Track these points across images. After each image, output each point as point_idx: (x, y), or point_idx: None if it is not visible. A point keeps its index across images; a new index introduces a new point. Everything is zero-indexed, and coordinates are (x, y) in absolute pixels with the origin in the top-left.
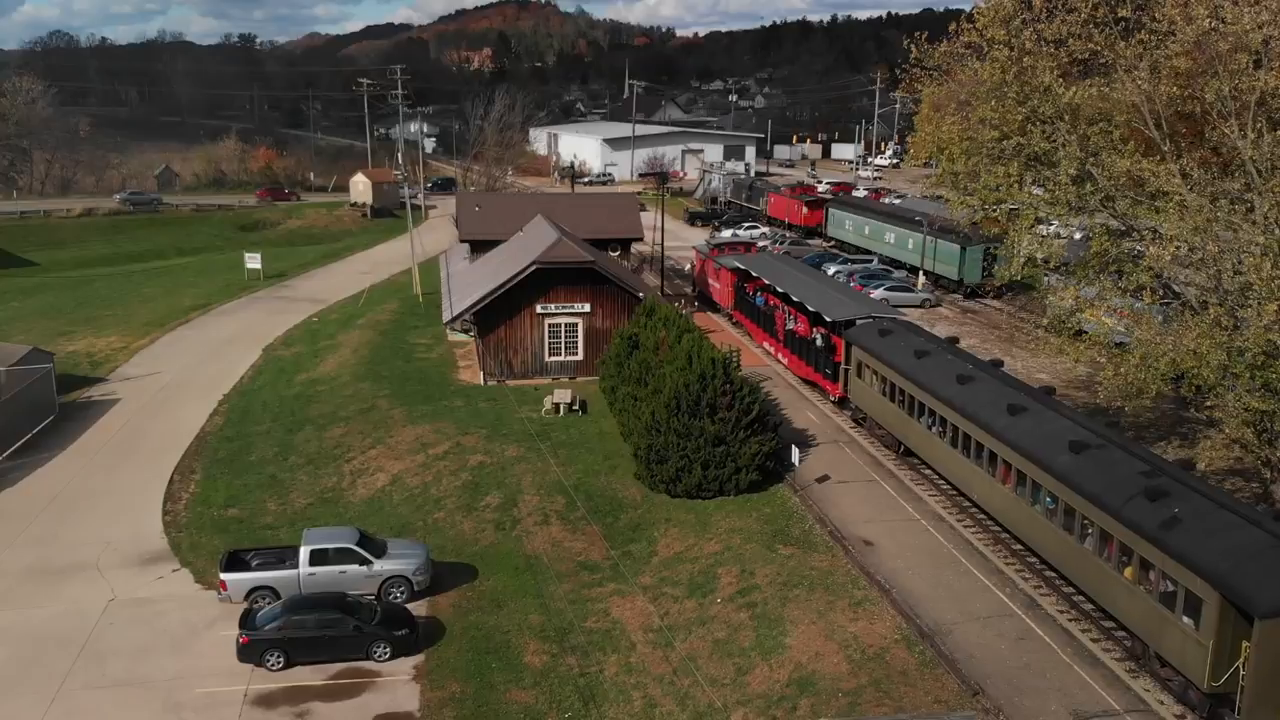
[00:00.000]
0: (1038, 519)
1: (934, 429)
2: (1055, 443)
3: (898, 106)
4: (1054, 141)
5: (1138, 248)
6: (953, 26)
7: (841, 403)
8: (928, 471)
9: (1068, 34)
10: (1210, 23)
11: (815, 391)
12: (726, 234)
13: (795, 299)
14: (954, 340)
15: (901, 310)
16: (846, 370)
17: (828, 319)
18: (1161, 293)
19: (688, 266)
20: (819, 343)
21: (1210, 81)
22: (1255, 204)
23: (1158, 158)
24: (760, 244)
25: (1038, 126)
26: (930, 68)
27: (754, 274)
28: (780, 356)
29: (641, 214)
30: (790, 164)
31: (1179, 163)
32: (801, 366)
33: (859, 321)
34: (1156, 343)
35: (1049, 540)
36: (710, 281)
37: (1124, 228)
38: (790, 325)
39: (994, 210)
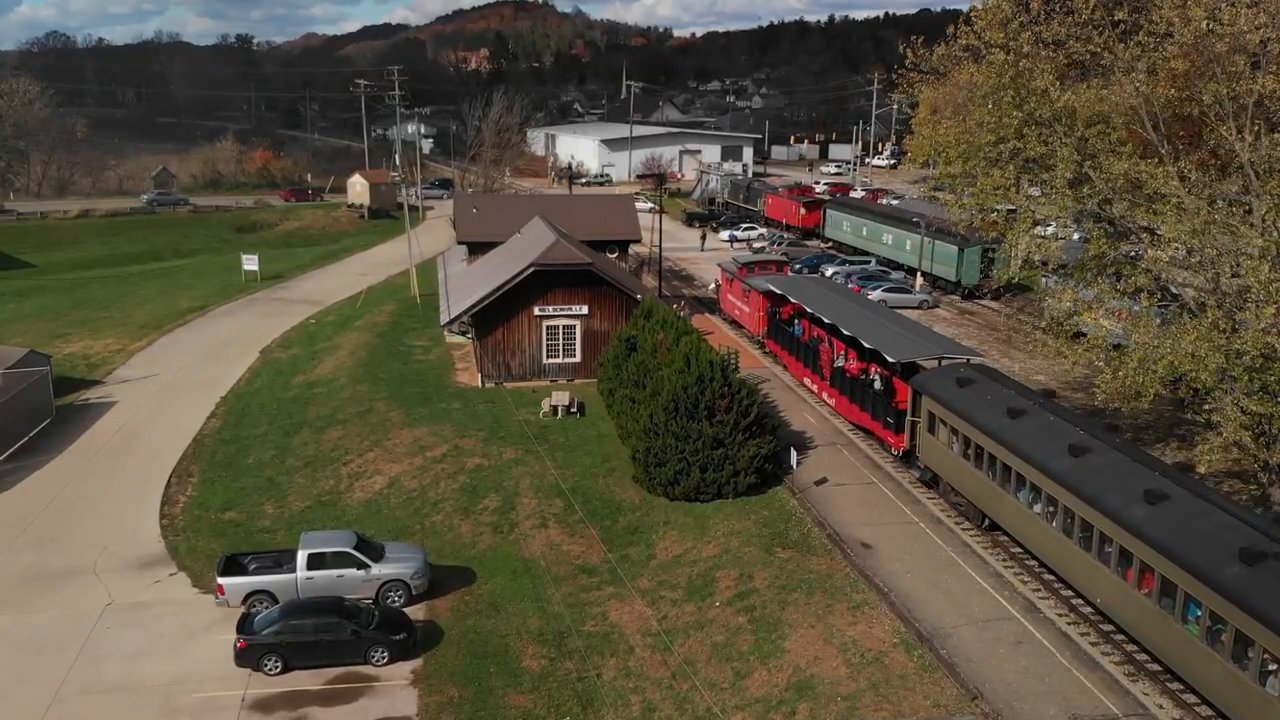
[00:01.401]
0: (1192, 644)
1: (1037, 509)
2: (1215, 545)
3: (894, 109)
4: (1050, 145)
5: (1136, 250)
6: (950, 29)
7: (906, 457)
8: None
9: (1066, 36)
10: (1208, 25)
11: (870, 440)
12: (725, 235)
13: (846, 332)
14: (1050, 394)
15: (900, 311)
16: (915, 423)
17: (891, 360)
18: (1160, 295)
19: (711, 286)
20: (876, 384)
21: (1208, 84)
22: (1253, 206)
23: (1155, 160)
24: (757, 244)
25: (1034, 130)
26: (927, 71)
27: (792, 299)
28: (826, 396)
29: (644, 207)
30: (803, 161)
31: (1177, 165)
32: (853, 411)
33: (926, 362)
34: (1154, 346)
35: (1208, 672)
36: (737, 304)
37: (1122, 230)
38: (839, 362)
39: (991, 213)
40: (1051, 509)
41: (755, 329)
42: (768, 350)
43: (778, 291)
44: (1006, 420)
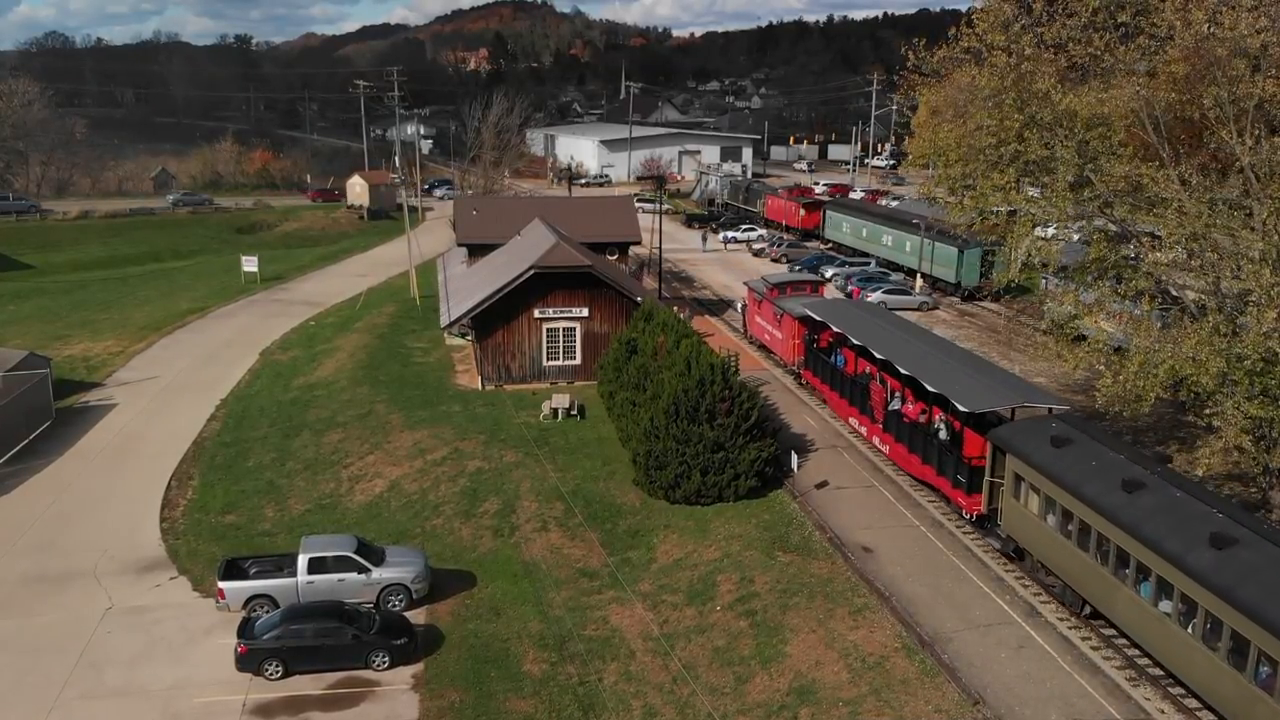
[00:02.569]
0: None
1: (1165, 608)
2: None
3: (894, 112)
4: (1051, 148)
5: (1136, 253)
6: (952, 30)
7: (980, 522)
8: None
9: (1068, 38)
10: (1209, 28)
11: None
12: (723, 236)
13: (903, 370)
14: (1165, 460)
15: (899, 313)
16: (995, 484)
17: (964, 409)
18: (1160, 298)
19: (739, 305)
20: (942, 434)
21: (1209, 87)
22: (1254, 210)
23: (1156, 163)
24: (756, 246)
25: (1035, 133)
26: (927, 73)
27: (834, 328)
28: (878, 442)
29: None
30: (802, 161)
31: (1178, 169)
32: (913, 463)
33: (1001, 410)
34: (1155, 350)
35: None
36: (767, 328)
37: (1122, 232)
38: (895, 405)
39: (990, 216)
40: (1187, 612)
41: (788, 357)
42: (804, 382)
43: (816, 318)
44: (1122, 495)
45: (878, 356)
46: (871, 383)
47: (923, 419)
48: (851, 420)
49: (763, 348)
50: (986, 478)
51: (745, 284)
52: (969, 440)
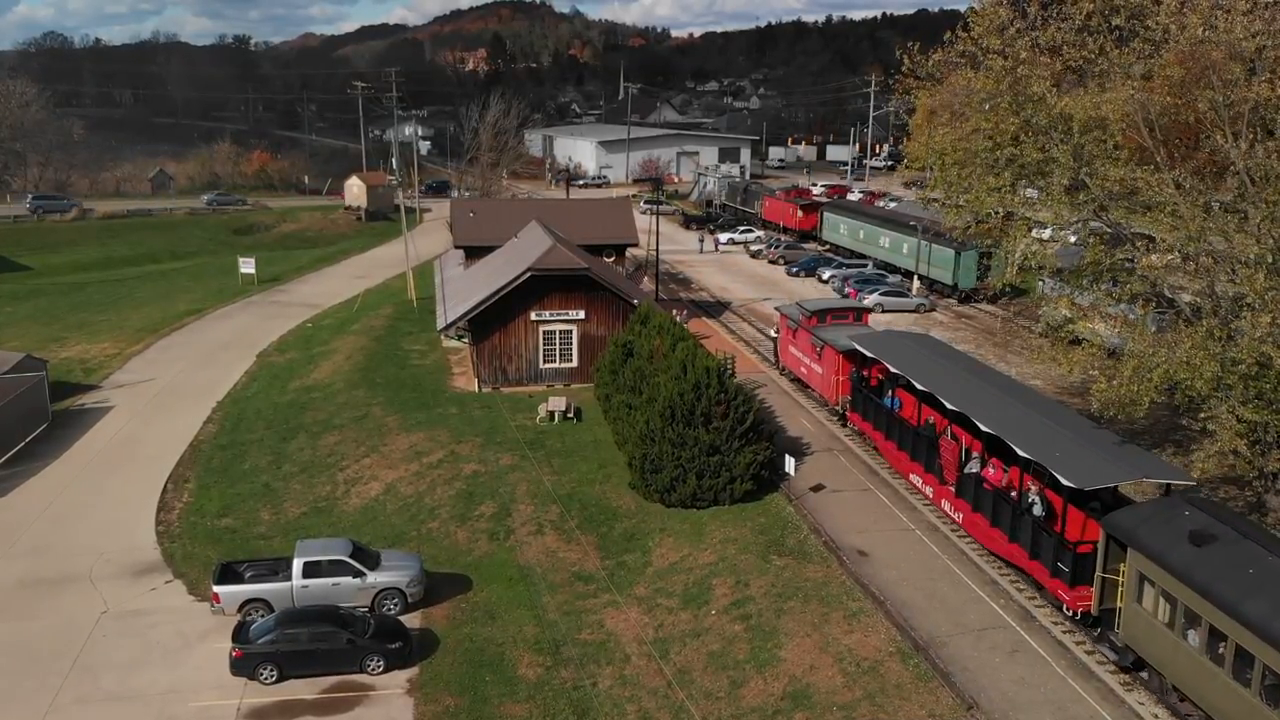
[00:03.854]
0: None
1: None
2: None
3: (891, 114)
4: (1047, 152)
5: (1132, 256)
6: (948, 34)
7: (1087, 620)
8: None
9: (1063, 41)
10: (1204, 31)
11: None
12: (724, 238)
13: (985, 427)
14: None
15: (899, 314)
16: (1108, 580)
17: (1070, 485)
18: (1156, 302)
19: (772, 331)
20: (1037, 509)
21: (1204, 91)
22: (1249, 213)
23: (1151, 167)
24: (753, 247)
25: (1031, 137)
26: (924, 76)
27: (893, 368)
28: (948, 507)
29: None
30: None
31: (1173, 173)
32: (995, 538)
33: (1114, 487)
34: (1150, 354)
35: None
36: (804, 360)
37: (1117, 236)
38: (973, 467)
39: (987, 219)
40: None
41: (830, 395)
42: (851, 426)
43: (867, 354)
44: None
45: (946, 406)
46: (941, 438)
47: (993, 473)
48: (914, 478)
49: (797, 381)
50: (1098, 572)
51: (777, 309)
52: (1071, 518)
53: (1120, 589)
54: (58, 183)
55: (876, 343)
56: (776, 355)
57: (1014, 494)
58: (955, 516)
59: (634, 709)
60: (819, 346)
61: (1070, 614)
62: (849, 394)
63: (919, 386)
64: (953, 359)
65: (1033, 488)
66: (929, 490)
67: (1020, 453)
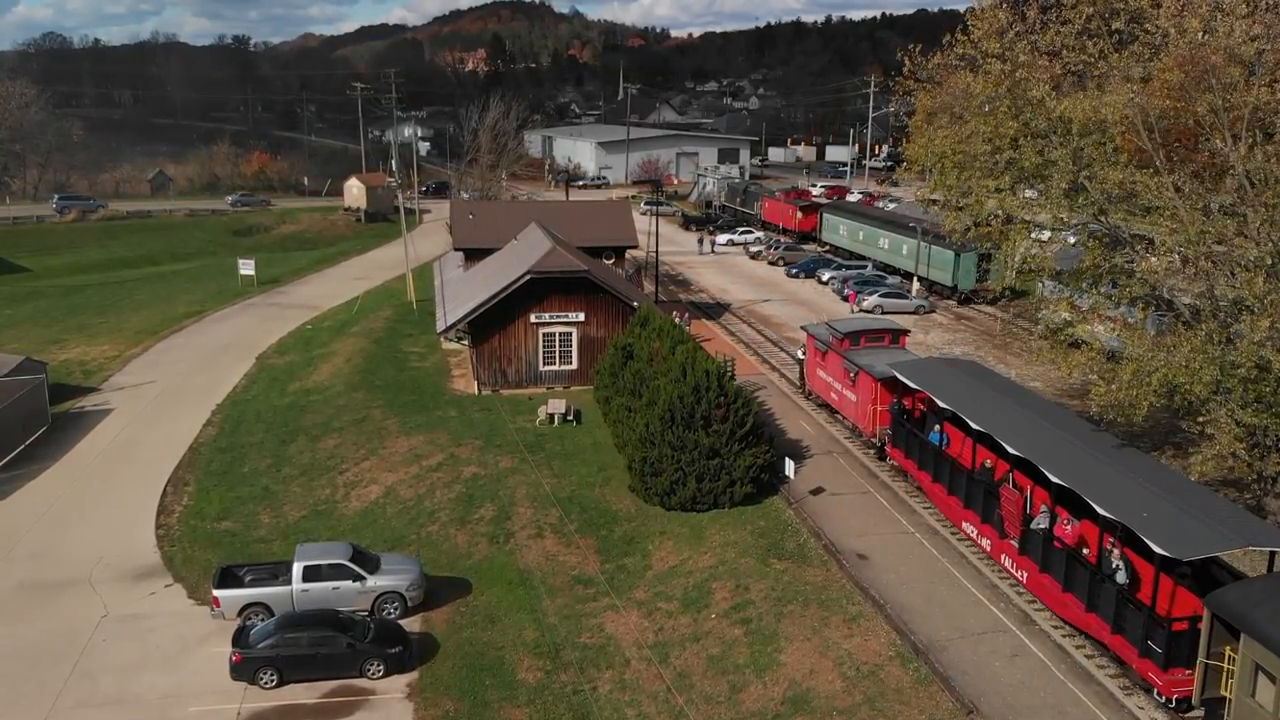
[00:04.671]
0: None
1: None
2: None
3: (890, 116)
4: (1046, 156)
5: (1131, 259)
6: (947, 38)
7: (1181, 705)
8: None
9: (1062, 45)
10: (1203, 35)
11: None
12: (723, 239)
13: (1057, 479)
14: None
15: (896, 316)
16: (1213, 666)
17: (1165, 554)
18: (1155, 305)
19: (799, 353)
20: (1120, 576)
21: (1203, 94)
22: (1248, 216)
23: (1150, 170)
24: (753, 248)
25: (1030, 141)
26: (923, 79)
27: (943, 403)
28: (1009, 563)
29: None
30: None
31: (1172, 176)
32: (1068, 604)
33: (1220, 558)
34: (1149, 358)
35: None
36: (835, 386)
37: (1117, 238)
38: (1041, 523)
39: (985, 223)
40: None
41: (867, 426)
42: (890, 462)
43: (911, 385)
44: None
45: (1008, 450)
46: (1003, 486)
47: (1068, 530)
48: (967, 527)
49: (826, 406)
50: (1201, 657)
51: (804, 329)
52: (1162, 588)
53: (1226, 677)
54: (57, 184)
55: (921, 372)
56: (802, 378)
57: (1085, 551)
58: (1019, 575)
59: (634, 713)
60: (853, 372)
61: (1161, 699)
62: (888, 426)
63: (974, 426)
64: (1008, 393)
65: (1115, 551)
66: (986, 543)
67: (1103, 513)
